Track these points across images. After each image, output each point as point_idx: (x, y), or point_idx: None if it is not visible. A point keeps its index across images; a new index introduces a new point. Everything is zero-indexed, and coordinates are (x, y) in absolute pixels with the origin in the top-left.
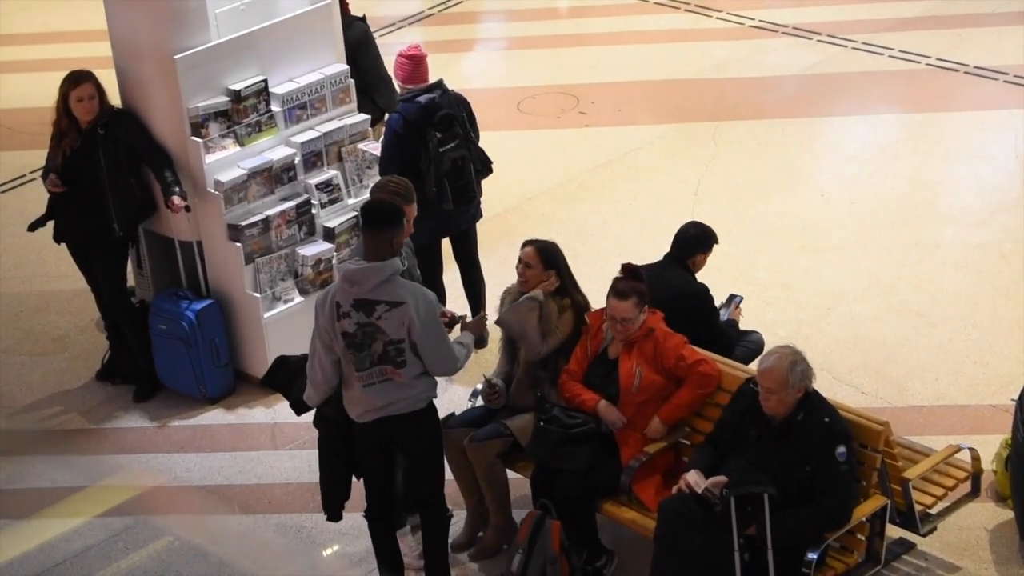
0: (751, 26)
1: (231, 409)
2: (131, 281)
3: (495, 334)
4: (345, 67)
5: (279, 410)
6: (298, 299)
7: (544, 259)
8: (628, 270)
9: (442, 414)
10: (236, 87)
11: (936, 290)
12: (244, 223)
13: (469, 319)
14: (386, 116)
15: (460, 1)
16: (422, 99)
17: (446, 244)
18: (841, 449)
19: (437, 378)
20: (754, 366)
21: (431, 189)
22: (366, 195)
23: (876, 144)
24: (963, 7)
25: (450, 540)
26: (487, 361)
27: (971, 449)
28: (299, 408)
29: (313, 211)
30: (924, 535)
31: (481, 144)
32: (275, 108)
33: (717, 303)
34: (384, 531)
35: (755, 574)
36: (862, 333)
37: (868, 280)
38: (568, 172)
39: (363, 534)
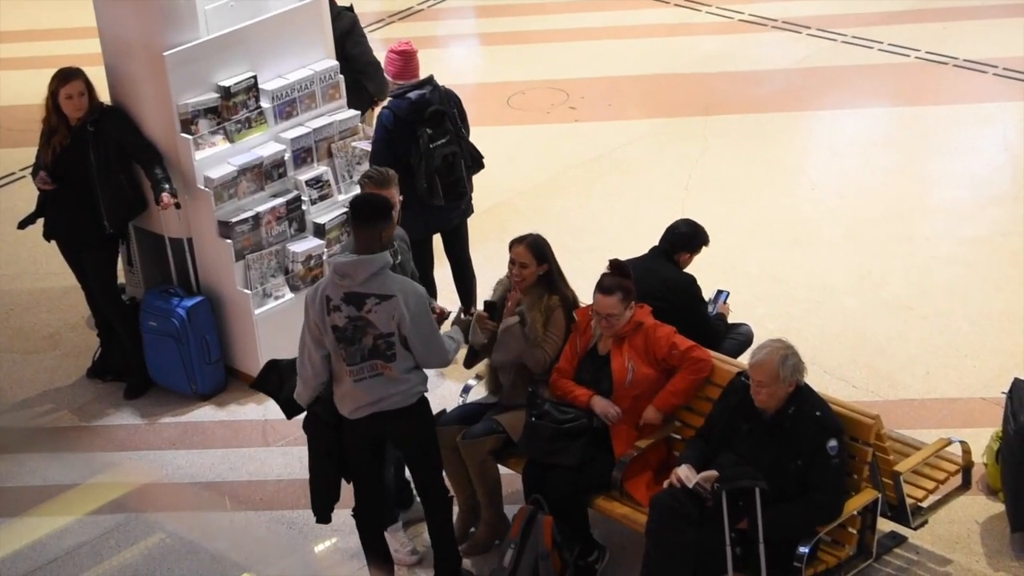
0: (741, 20)
1: (222, 406)
2: (121, 278)
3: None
4: (335, 63)
5: (270, 407)
6: (289, 295)
7: (536, 255)
8: (615, 266)
9: (434, 411)
10: (226, 84)
11: (926, 283)
12: (234, 220)
13: (457, 315)
14: (377, 108)
15: None
16: (412, 95)
17: (437, 240)
18: (832, 443)
19: (427, 372)
20: (745, 359)
21: (422, 185)
22: (356, 191)
23: (866, 138)
24: (952, 0)
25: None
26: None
27: (962, 442)
28: (289, 410)
29: (303, 207)
30: (915, 528)
31: (472, 139)
32: (265, 104)
33: (704, 298)
34: (374, 529)
35: (747, 568)
36: (852, 327)
37: (859, 274)
38: (558, 167)
39: (355, 530)
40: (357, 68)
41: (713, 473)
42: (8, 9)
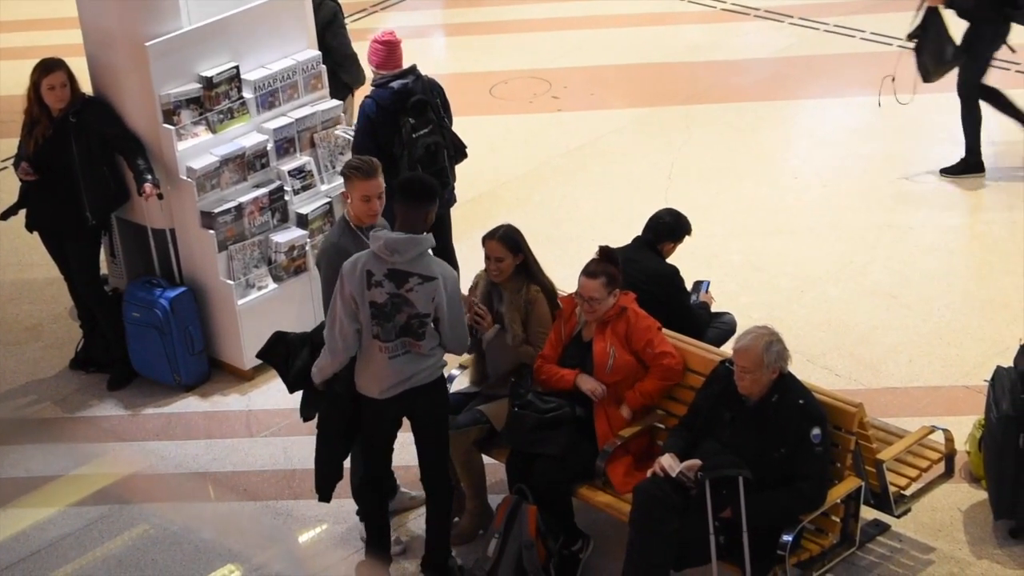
0: (723, 9)
1: (205, 397)
2: (104, 269)
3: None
4: (317, 53)
5: (254, 397)
6: (272, 286)
7: (510, 246)
8: (604, 253)
9: None
10: (208, 74)
11: (909, 271)
12: (217, 210)
13: None
14: (354, 97)
15: None
16: (395, 85)
17: None
18: (816, 431)
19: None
20: (728, 348)
21: (405, 175)
22: (339, 181)
23: (848, 126)
24: None
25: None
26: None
27: (945, 430)
28: (295, 385)
29: (286, 198)
30: (898, 516)
31: (454, 129)
32: (247, 95)
33: (687, 289)
34: (379, 501)
35: (730, 556)
36: (835, 315)
37: (841, 262)
38: (541, 157)
39: (340, 520)
40: (336, 60)
41: (696, 462)
42: None
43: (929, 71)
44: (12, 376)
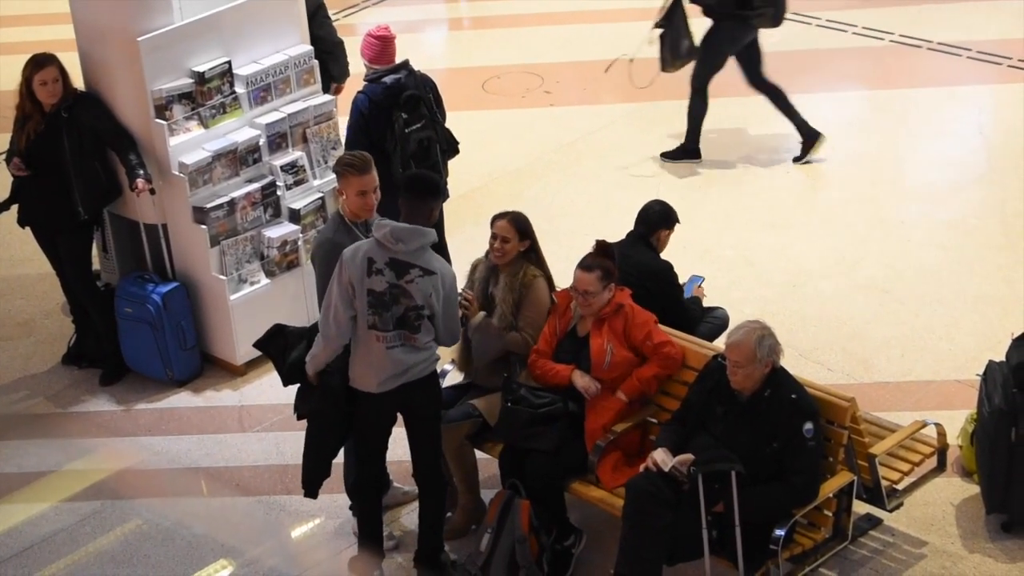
0: None
1: (198, 392)
2: (96, 265)
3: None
4: (309, 48)
5: (246, 392)
6: (264, 281)
7: (519, 229)
8: (600, 247)
9: None
10: (200, 69)
11: (902, 266)
12: (209, 205)
13: None
14: (337, 92)
15: None
16: (388, 80)
17: None
18: (808, 426)
19: None
20: (720, 342)
21: (397, 170)
22: (331, 176)
23: (840, 121)
24: None
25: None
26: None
27: (937, 424)
28: (289, 377)
29: (278, 193)
30: (891, 511)
31: (447, 124)
32: (239, 90)
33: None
34: (376, 497)
35: (723, 551)
36: (828, 310)
37: (834, 257)
38: (534, 152)
39: (332, 515)
40: (324, 49)
41: (689, 456)
42: None
43: (667, 62)
44: (4, 372)
